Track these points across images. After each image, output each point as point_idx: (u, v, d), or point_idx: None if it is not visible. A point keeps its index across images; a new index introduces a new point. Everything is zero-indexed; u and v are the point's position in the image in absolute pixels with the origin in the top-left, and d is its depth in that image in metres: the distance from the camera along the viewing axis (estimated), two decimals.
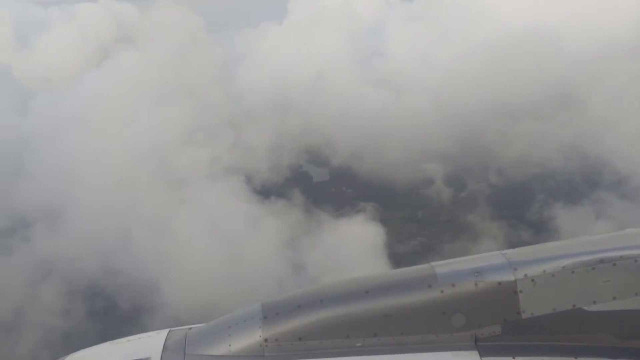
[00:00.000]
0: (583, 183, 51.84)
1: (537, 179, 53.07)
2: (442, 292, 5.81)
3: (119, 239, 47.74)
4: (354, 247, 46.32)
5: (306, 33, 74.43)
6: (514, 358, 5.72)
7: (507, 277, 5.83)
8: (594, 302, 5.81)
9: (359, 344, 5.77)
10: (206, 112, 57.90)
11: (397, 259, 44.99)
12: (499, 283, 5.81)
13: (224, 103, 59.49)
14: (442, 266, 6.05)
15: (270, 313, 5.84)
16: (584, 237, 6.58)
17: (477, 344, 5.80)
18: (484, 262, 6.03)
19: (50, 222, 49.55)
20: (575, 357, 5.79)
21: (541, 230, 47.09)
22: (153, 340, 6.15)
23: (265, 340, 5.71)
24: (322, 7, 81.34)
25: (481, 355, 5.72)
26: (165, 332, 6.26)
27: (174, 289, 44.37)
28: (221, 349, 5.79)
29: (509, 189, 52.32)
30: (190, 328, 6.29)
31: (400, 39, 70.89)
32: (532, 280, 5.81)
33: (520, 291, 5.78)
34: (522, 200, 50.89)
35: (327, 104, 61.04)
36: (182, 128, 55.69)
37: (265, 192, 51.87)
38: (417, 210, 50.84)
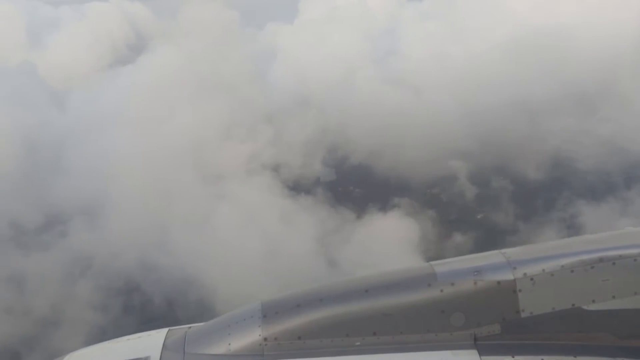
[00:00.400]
0: (610, 180, 51.23)
1: (561, 176, 52.49)
2: (441, 291, 5.94)
3: (156, 235, 47.91)
4: (387, 243, 46.30)
5: (320, 32, 73.78)
6: (513, 357, 5.83)
7: (507, 276, 5.93)
8: (593, 301, 5.90)
9: (358, 343, 5.90)
10: (239, 108, 58.08)
11: (429, 256, 44.93)
12: (498, 282, 5.92)
13: (254, 99, 59.58)
14: (441, 265, 6.15)
15: (270, 312, 5.97)
16: (583, 236, 6.60)
17: (477, 343, 5.90)
18: (483, 261, 6.12)
19: (87, 217, 49.83)
20: (575, 356, 5.88)
21: (568, 228, 46.60)
22: (152, 339, 6.28)
23: (265, 339, 5.85)
24: (335, 7, 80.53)
25: (480, 354, 5.83)
26: (164, 331, 6.38)
27: (211, 284, 44.61)
28: (221, 348, 5.94)
29: (533, 186, 51.83)
30: (190, 327, 6.40)
31: (415, 38, 70.40)
32: (532, 279, 5.90)
33: (520, 290, 5.89)
34: (547, 198, 50.38)
35: (347, 102, 60.88)
36: (216, 124, 55.90)
37: (297, 188, 51.83)
38: (442, 207, 50.51)
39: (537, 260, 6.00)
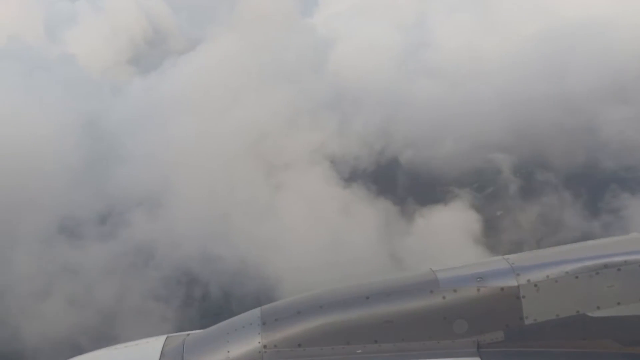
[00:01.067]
0: None
1: (606, 168, 51.50)
2: (443, 297, 6.05)
3: (218, 225, 48.31)
4: (448, 234, 46.18)
5: (347, 26, 73.01)
6: None
7: (510, 282, 6.03)
8: (598, 308, 5.94)
9: (359, 351, 6.03)
10: (297, 97, 58.29)
11: (491, 248, 44.84)
12: (502, 288, 6.02)
13: (309, 89, 59.71)
14: (443, 271, 6.26)
15: (269, 319, 6.11)
16: (587, 241, 6.63)
17: (480, 351, 6.00)
18: (486, 267, 6.22)
19: (148, 207, 50.36)
20: None
21: (614, 221, 45.77)
22: (150, 347, 6.49)
23: (264, 346, 6.01)
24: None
25: None
26: (162, 338, 6.57)
27: (271, 276, 44.87)
28: (219, 356, 6.10)
29: (579, 179, 51.04)
30: (189, 334, 6.57)
31: (446, 31, 69.32)
32: (535, 285, 5.98)
33: (523, 297, 5.98)
34: (593, 190, 49.54)
35: (385, 95, 60.68)
36: (272, 113, 56.16)
37: (352, 178, 51.89)
38: (489, 200, 50.14)
39: (541, 266, 6.06)
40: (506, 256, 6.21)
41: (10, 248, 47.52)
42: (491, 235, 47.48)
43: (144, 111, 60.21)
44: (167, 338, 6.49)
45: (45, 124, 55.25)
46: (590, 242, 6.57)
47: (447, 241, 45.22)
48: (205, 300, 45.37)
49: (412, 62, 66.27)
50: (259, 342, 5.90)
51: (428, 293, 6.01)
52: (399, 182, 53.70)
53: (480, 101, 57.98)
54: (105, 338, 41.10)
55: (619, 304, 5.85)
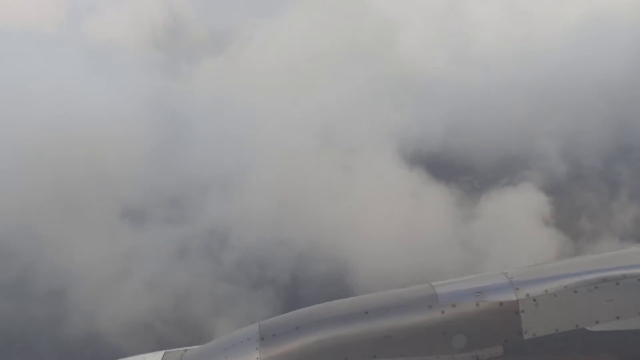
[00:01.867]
0: None
1: None
2: (442, 312, 6.12)
3: (290, 208, 48.57)
4: (517, 218, 45.80)
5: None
6: None
7: (509, 297, 6.07)
8: (597, 322, 5.93)
9: None
10: (367, 79, 58.17)
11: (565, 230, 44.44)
12: (501, 303, 6.07)
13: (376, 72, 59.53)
14: (442, 286, 6.32)
15: (268, 334, 6.17)
16: (586, 255, 6.58)
17: None
18: (485, 281, 6.27)
19: (221, 190, 50.81)
20: None
21: None
22: None
23: None
24: None
25: None
26: (160, 354, 6.69)
27: (342, 259, 45.02)
28: None
29: (620, 166, 49.97)
30: (186, 350, 6.66)
31: (479, 19, 67.91)
32: (534, 300, 6.01)
33: (522, 311, 6.01)
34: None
35: (431, 82, 60.08)
36: (341, 96, 56.15)
37: (417, 162, 51.73)
38: (546, 185, 49.51)
39: (540, 280, 6.05)
40: (505, 270, 6.19)
41: (86, 231, 48.47)
42: (555, 219, 47.11)
43: (216, 94, 60.68)
44: (165, 354, 6.58)
45: (117, 107, 56.10)
46: (589, 256, 6.50)
47: (515, 224, 45.02)
48: (276, 284, 45.68)
49: (450, 48, 65.68)
50: (257, 358, 5.94)
51: (427, 308, 6.03)
52: (459, 166, 53.46)
53: (519, 90, 57.25)
54: (178, 320, 42.03)
55: (618, 318, 5.79)
